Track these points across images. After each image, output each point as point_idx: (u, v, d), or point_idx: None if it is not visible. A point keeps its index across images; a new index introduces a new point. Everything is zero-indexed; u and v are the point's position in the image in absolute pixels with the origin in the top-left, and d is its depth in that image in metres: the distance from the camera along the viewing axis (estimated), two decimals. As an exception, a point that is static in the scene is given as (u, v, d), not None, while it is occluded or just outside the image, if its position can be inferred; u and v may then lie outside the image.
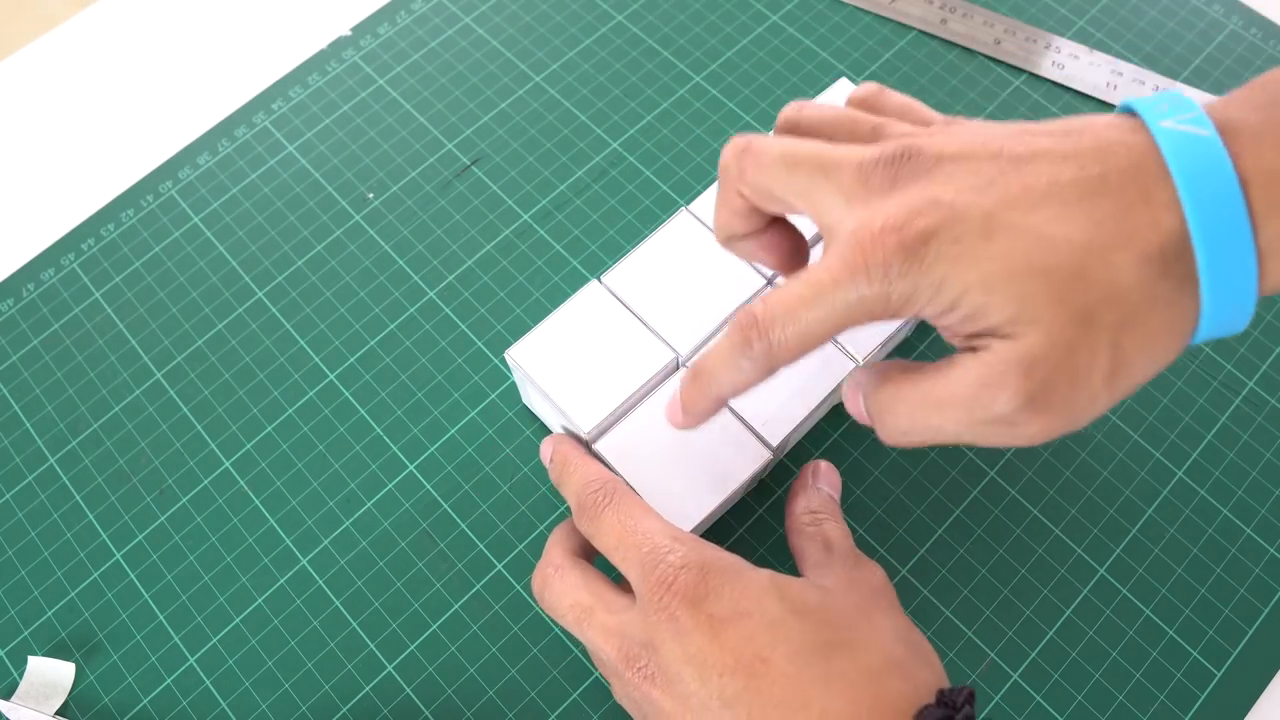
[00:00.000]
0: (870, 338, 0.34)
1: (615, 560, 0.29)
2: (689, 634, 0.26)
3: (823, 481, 0.34)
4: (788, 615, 0.27)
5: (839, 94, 0.38)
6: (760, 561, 0.37)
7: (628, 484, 0.32)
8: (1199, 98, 0.45)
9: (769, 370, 0.26)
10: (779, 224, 0.29)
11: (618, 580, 0.31)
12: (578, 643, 0.36)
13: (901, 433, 0.26)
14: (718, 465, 0.32)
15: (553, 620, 0.34)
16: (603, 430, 0.33)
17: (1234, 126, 0.22)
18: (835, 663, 0.26)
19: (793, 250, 0.30)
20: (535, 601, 0.31)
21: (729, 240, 0.30)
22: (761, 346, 0.25)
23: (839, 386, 0.35)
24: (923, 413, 0.25)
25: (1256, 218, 0.22)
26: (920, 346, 0.40)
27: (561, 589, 0.30)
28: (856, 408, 0.28)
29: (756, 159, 0.27)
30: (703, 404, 0.29)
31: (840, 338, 0.34)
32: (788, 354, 0.26)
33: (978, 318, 0.23)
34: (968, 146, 0.24)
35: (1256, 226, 0.22)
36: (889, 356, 0.40)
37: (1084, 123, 0.24)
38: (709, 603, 0.27)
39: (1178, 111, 0.23)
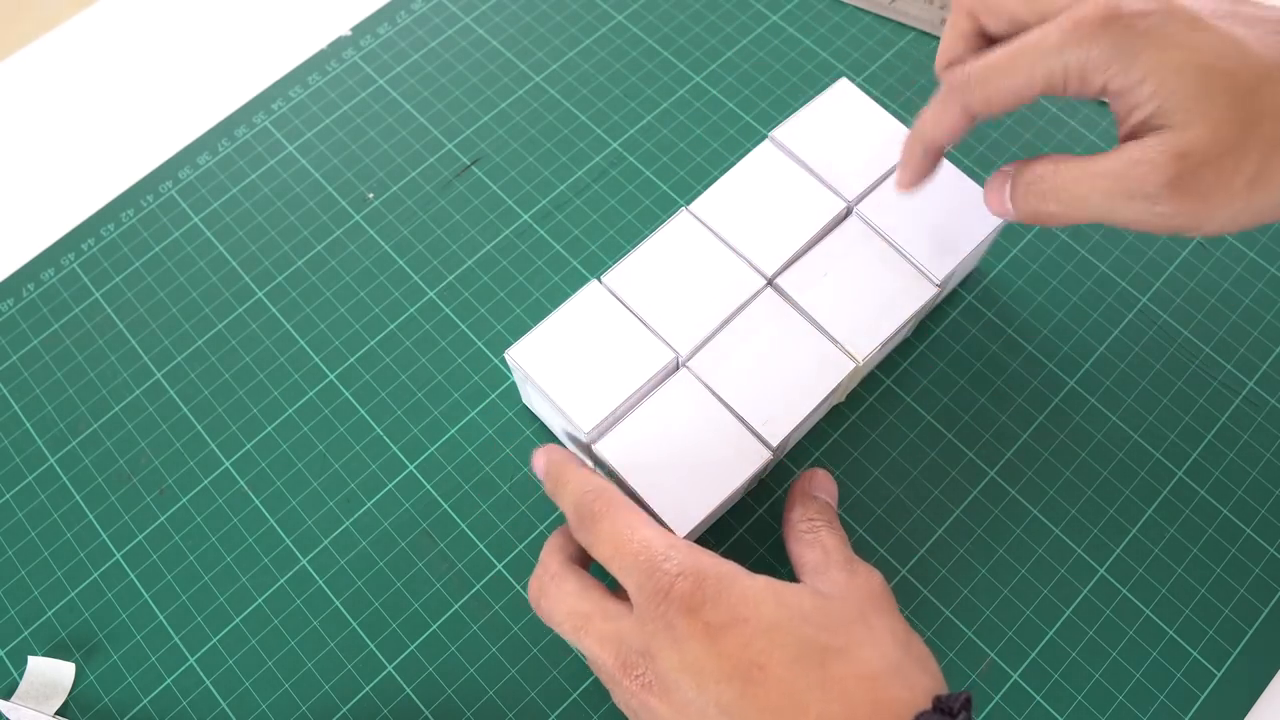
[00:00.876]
0: (870, 338, 0.34)
1: (612, 569, 0.29)
2: (686, 642, 0.26)
3: (819, 489, 0.34)
4: (784, 621, 0.27)
5: (840, 95, 0.38)
6: (760, 562, 0.37)
7: (628, 486, 0.32)
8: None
9: (965, 112, 0.30)
10: None
11: (614, 587, 0.30)
12: (578, 643, 0.36)
13: (1046, 200, 0.29)
14: (718, 465, 0.32)
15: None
16: (602, 431, 0.33)
17: None
18: (832, 668, 0.26)
19: None
20: (532, 608, 0.31)
21: (950, 65, 0.31)
22: (966, 90, 0.29)
23: (839, 386, 0.35)
24: (1074, 181, 0.28)
25: None
26: (920, 347, 0.40)
27: (558, 597, 0.30)
28: (1000, 197, 0.31)
29: None
30: (916, 151, 0.32)
31: (840, 336, 0.34)
32: (987, 99, 0.29)
33: (1156, 98, 0.26)
34: None
35: None
36: (892, 360, 0.40)
37: None
38: (705, 610, 0.27)
39: None
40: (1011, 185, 0.30)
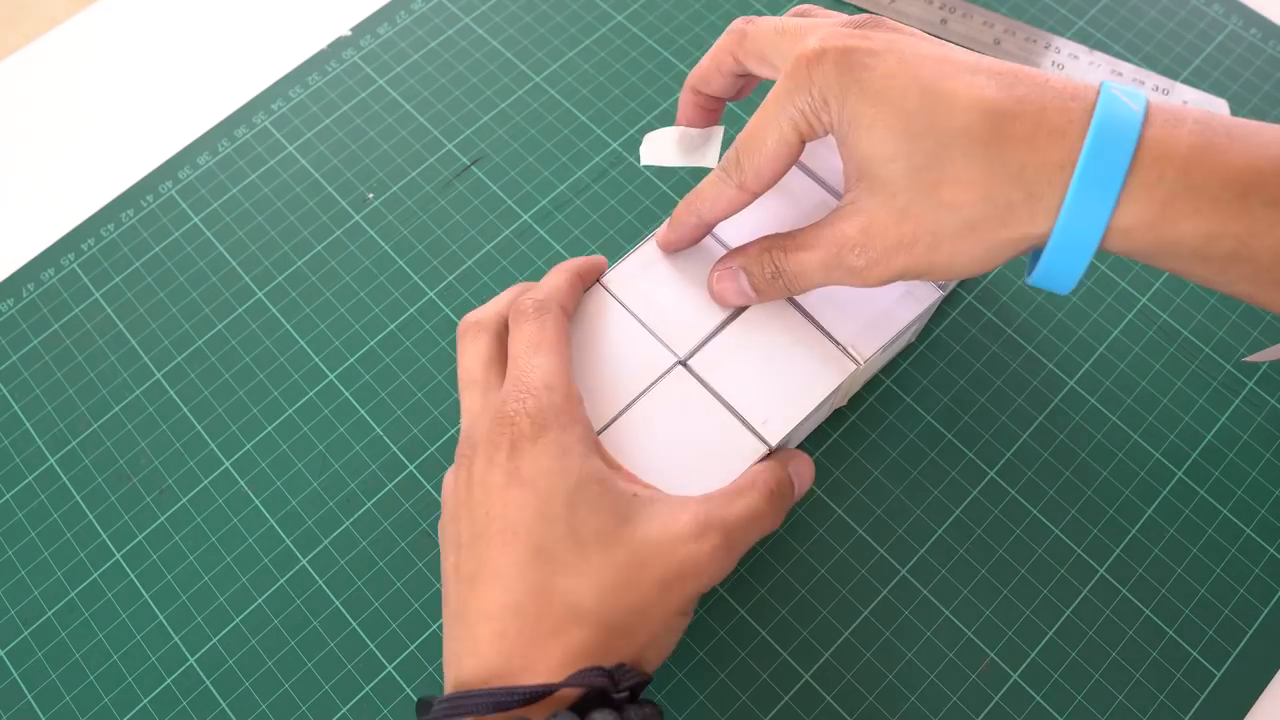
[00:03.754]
0: (871, 340, 0.34)
1: (508, 366, 0.32)
2: (494, 468, 0.29)
3: (795, 467, 0.33)
4: (561, 519, 0.28)
5: None
6: (760, 562, 0.37)
7: None
8: (1197, 97, 0.45)
9: (746, 189, 0.31)
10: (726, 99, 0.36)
11: None
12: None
13: (790, 286, 0.32)
14: (715, 463, 0.32)
15: None
16: (602, 430, 0.33)
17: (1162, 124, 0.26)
18: (557, 580, 0.28)
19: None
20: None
21: (697, 87, 0.35)
22: (735, 168, 0.31)
23: (840, 388, 0.35)
24: (801, 267, 0.31)
25: (1130, 178, 0.26)
26: (920, 347, 0.40)
27: (468, 349, 0.33)
28: (736, 288, 0.33)
29: (758, 27, 0.32)
30: (689, 220, 0.33)
31: (843, 340, 0.34)
32: (755, 171, 0.31)
33: (858, 151, 0.28)
34: (917, 39, 0.29)
35: (1125, 183, 0.26)
36: (892, 360, 0.40)
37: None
38: (520, 457, 0.29)
39: (1126, 91, 0.27)
40: (750, 278, 0.32)
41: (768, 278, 0.32)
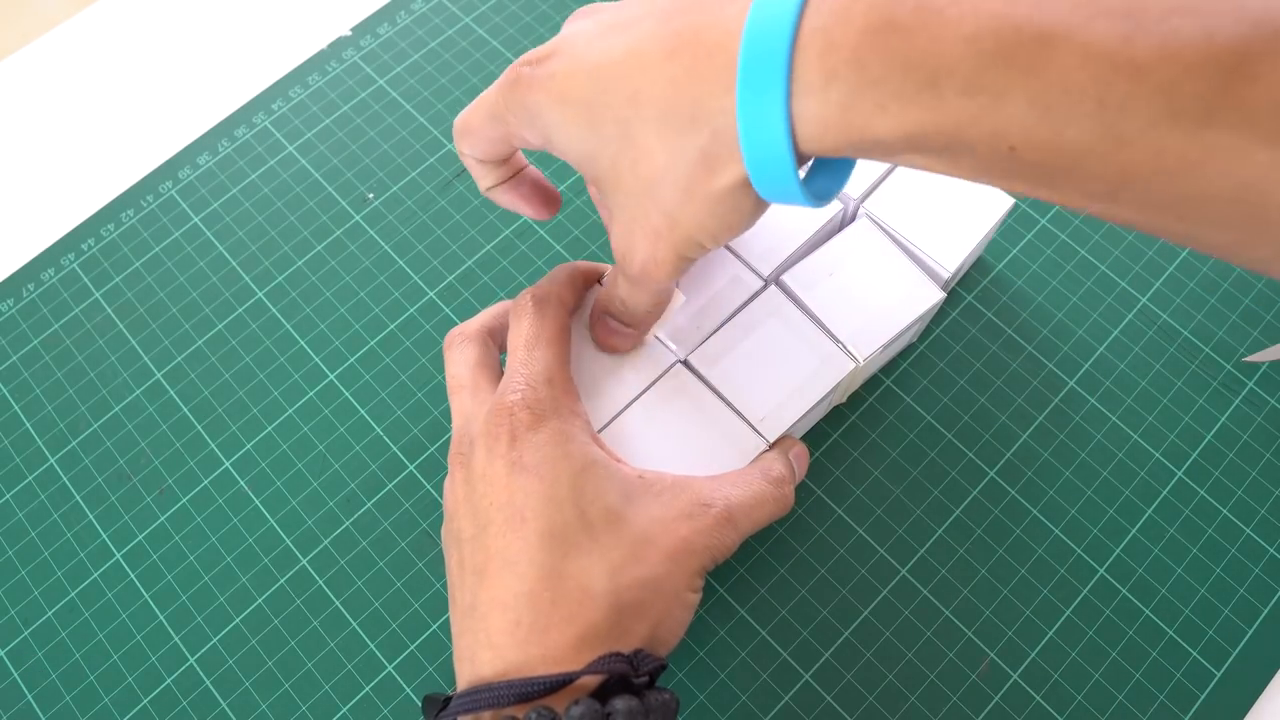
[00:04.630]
0: (871, 339, 0.34)
1: (507, 358, 0.32)
2: (496, 460, 0.29)
3: (794, 454, 0.34)
4: (568, 501, 0.28)
5: None
6: (759, 562, 0.37)
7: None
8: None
9: (488, 147, 0.31)
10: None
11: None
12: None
13: (624, 312, 0.32)
14: (713, 459, 0.32)
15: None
16: (602, 429, 0.33)
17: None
18: (568, 562, 0.27)
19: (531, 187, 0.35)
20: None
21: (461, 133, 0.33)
22: (464, 145, 0.31)
23: (838, 386, 0.35)
24: (611, 282, 0.31)
25: (795, 71, 0.21)
26: (920, 347, 0.40)
27: (454, 356, 0.33)
28: (614, 334, 0.33)
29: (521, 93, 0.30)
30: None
31: (843, 337, 0.34)
32: (468, 148, 0.31)
33: (567, 154, 0.27)
34: (594, 18, 0.27)
35: (793, 80, 0.22)
36: (892, 360, 0.40)
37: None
38: (522, 445, 0.29)
39: None
40: (618, 319, 0.32)
41: (614, 315, 0.32)
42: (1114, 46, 0.19)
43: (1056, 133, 0.20)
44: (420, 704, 0.35)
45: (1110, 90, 0.19)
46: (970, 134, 0.21)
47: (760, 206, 0.26)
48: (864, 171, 0.37)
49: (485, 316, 0.34)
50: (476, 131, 0.30)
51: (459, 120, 0.31)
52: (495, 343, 0.34)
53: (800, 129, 0.22)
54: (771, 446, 0.33)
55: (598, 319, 0.33)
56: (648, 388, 0.33)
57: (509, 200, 0.33)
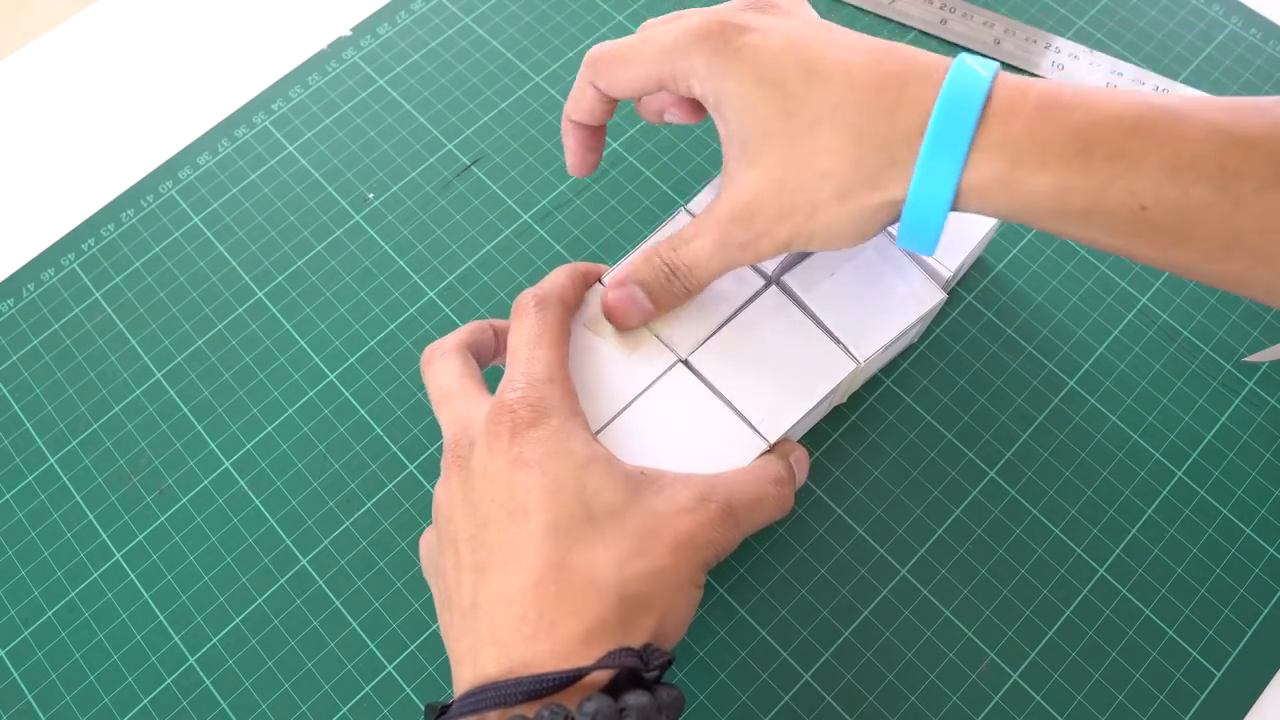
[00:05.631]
0: (872, 340, 0.34)
1: (506, 358, 0.32)
2: (497, 456, 0.29)
3: (798, 461, 0.34)
4: (571, 493, 0.28)
5: None
6: (760, 562, 0.37)
7: None
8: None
9: (602, 95, 0.33)
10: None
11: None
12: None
13: (691, 287, 0.33)
14: (713, 460, 0.32)
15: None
16: (602, 429, 0.33)
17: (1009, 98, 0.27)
18: (574, 554, 0.27)
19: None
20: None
21: (576, 119, 0.35)
22: (595, 73, 0.32)
23: (839, 386, 0.35)
24: (698, 257, 0.32)
25: (977, 138, 0.27)
26: (920, 347, 0.40)
27: (437, 369, 0.33)
28: (636, 304, 0.33)
29: (607, 47, 0.33)
30: (567, 129, 0.36)
31: (844, 338, 0.34)
32: (611, 84, 0.32)
33: (733, 126, 0.30)
34: (807, 12, 0.32)
35: (973, 145, 0.27)
36: (892, 360, 0.40)
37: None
38: (523, 441, 0.29)
39: (980, 62, 0.28)
40: (645, 289, 0.33)
41: (663, 282, 0.32)
42: (1228, 124, 0.25)
43: (1183, 193, 0.25)
44: (423, 709, 0.35)
45: (1228, 157, 0.25)
46: (1110, 193, 0.26)
47: (872, 234, 0.30)
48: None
49: (461, 333, 0.34)
50: (632, 63, 0.31)
51: (607, 49, 0.32)
52: (474, 356, 0.34)
53: (968, 178, 0.27)
54: (771, 448, 0.33)
55: (620, 285, 0.33)
56: (648, 387, 0.33)
57: (582, 138, 0.36)
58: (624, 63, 0.32)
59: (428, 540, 0.32)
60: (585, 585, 0.27)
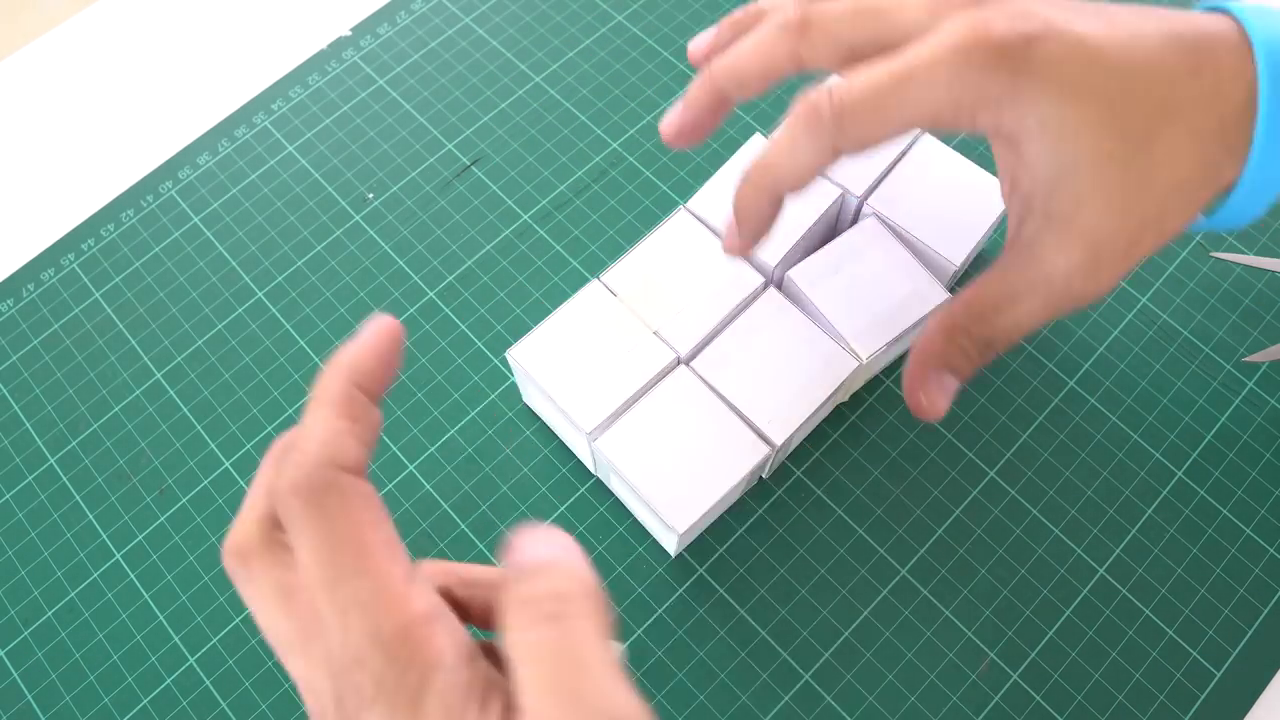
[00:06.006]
0: (874, 338, 0.34)
1: (304, 609, 0.20)
2: None
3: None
4: None
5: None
6: (760, 562, 0.37)
7: (628, 481, 0.32)
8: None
9: (833, 151, 0.25)
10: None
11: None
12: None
13: (1012, 336, 0.28)
14: (717, 460, 0.32)
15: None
16: (603, 429, 0.33)
17: None
18: None
19: None
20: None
21: (731, 92, 0.28)
22: (834, 126, 0.25)
23: (842, 385, 0.35)
24: (1012, 305, 0.27)
25: None
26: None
27: (252, 595, 0.21)
28: (945, 390, 0.29)
29: (822, 13, 0.26)
30: (758, 200, 0.27)
31: (847, 335, 0.34)
32: (858, 134, 0.25)
33: (1050, 160, 0.24)
34: (1056, 5, 0.25)
35: None
36: (892, 361, 0.39)
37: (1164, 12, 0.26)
38: None
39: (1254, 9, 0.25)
40: (956, 372, 0.28)
41: (975, 357, 0.28)
42: None
43: None
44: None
45: None
46: None
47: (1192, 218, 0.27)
48: (865, 169, 0.37)
49: (255, 505, 0.21)
50: (894, 111, 0.24)
51: (853, 98, 0.24)
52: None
53: None
54: (775, 451, 0.33)
55: (922, 374, 0.28)
56: (649, 390, 0.33)
57: (707, 119, 0.29)
58: (883, 113, 0.24)
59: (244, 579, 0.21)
60: None
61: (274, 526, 0.21)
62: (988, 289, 0.27)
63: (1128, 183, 0.25)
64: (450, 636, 0.19)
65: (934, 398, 0.28)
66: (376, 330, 0.22)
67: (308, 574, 0.20)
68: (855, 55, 0.26)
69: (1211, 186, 0.26)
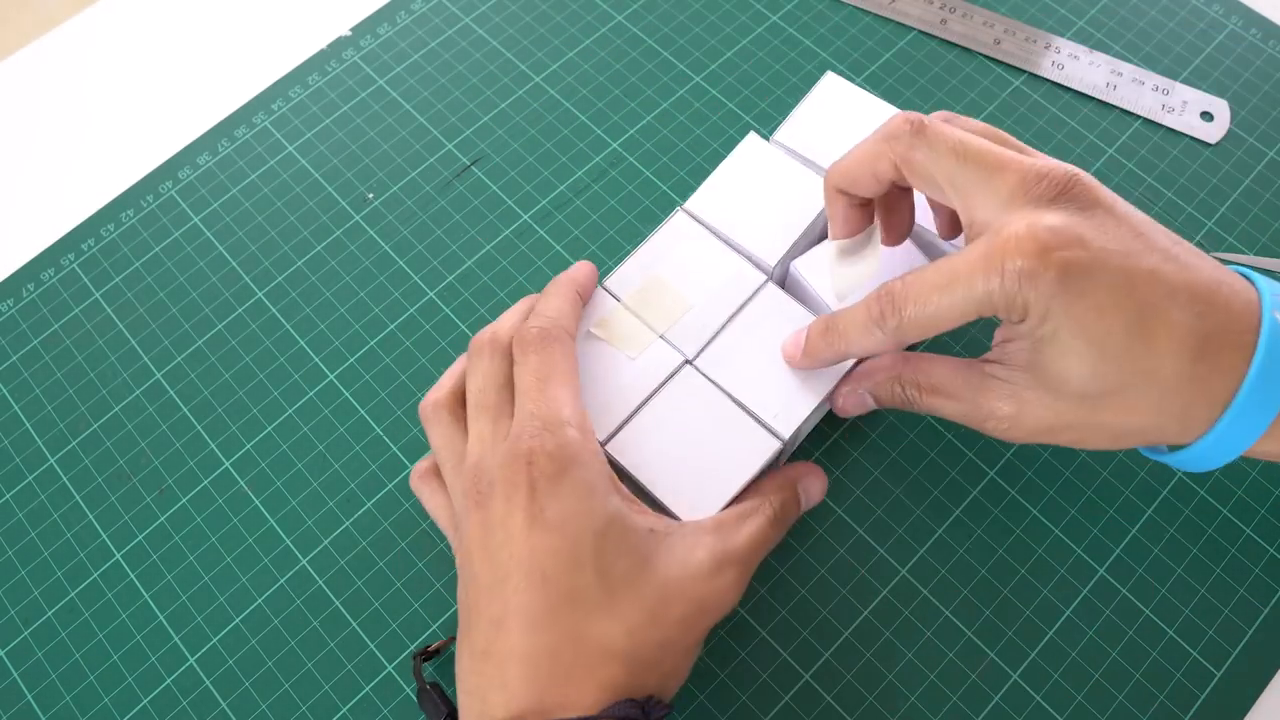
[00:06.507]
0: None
1: (516, 399, 0.31)
2: (515, 511, 0.28)
3: (805, 485, 0.34)
4: (589, 564, 0.28)
5: (830, 88, 0.38)
6: (762, 564, 0.36)
7: (640, 484, 0.32)
8: (1196, 97, 0.45)
9: (897, 343, 0.30)
10: (899, 192, 0.33)
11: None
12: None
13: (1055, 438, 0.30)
14: (729, 460, 0.32)
15: None
16: (613, 435, 0.33)
17: None
18: (590, 624, 0.28)
19: (896, 220, 0.34)
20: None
21: (840, 191, 0.32)
22: (894, 321, 0.29)
23: (845, 377, 0.35)
24: (1028, 417, 0.29)
25: None
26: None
27: (439, 430, 0.33)
28: (862, 403, 0.34)
29: (931, 141, 0.29)
30: (827, 355, 0.32)
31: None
32: (916, 332, 0.29)
33: (1068, 355, 0.27)
34: (1124, 211, 0.28)
35: None
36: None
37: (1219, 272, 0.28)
38: (543, 498, 0.28)
39: None
40: (876, 399, 0.33)
41: (896, 402, 0.32)
42: None
43: None
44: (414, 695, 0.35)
45: None
46: None
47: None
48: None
49: (451, 379, 0.34)
50: (945, 307, 0.28)
51: (902, 297, 0.29)
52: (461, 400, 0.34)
53: (1262, 445, 0.27)
54: (783, 450, 0.33)
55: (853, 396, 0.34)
56: (657, 390, 0.33)
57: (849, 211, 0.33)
58: (934, 310, 0.28)
59: (430, 495, 0.33)
60: (599, 652, 0.28)
61: (456, 399, 0.33)
62: (944, 375, 0.31)
63: (1081, 405, 0.28)
64: (592, 445, 0.30)
65: (848, 405, 0.34)
66: (584, 266, 0.35)
67: (524, 379, 0.30)
68: (934, 190, 0.30)
69: (1159, 437, 0.28)
